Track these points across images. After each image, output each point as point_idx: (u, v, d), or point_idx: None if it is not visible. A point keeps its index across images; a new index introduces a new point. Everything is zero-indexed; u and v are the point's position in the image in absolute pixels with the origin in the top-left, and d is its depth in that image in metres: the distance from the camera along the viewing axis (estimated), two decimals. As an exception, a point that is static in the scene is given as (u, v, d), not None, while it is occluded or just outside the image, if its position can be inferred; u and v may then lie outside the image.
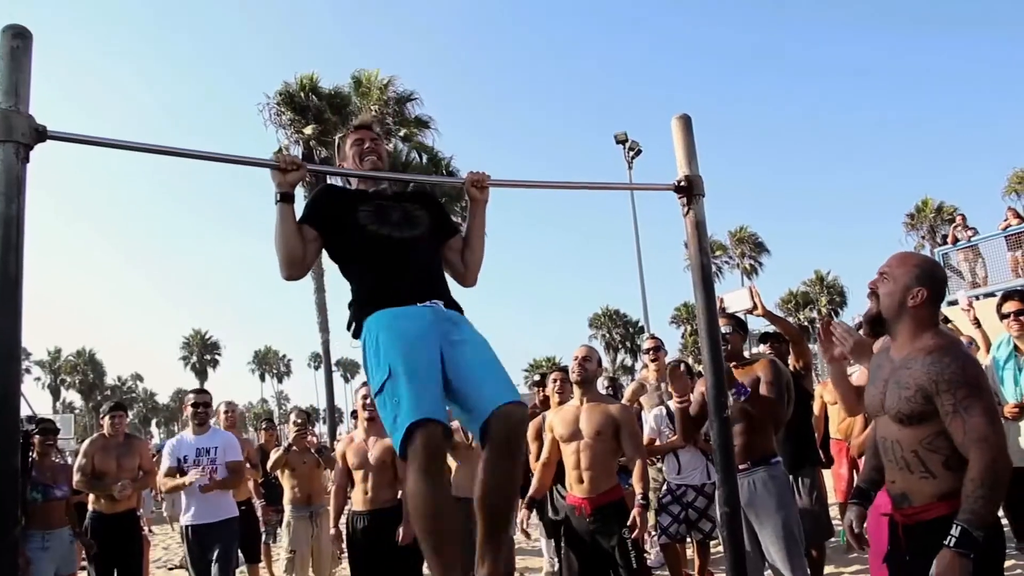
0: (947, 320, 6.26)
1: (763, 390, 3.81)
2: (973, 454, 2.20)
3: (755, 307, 4.37)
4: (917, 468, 2.33)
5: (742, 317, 4.44)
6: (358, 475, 5.36)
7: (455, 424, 5.10)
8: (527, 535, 5.53)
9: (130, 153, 2.29)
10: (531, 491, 4.71)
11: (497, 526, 2.34)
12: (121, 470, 5.81)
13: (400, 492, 5.12)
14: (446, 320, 2.50)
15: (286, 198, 2.59)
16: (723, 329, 3.87)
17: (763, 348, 5.46)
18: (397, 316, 2.42)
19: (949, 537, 2.16)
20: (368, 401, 5.66)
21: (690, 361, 7.57)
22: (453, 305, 2.62)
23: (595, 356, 4.51)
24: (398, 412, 2.20)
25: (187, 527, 5.55)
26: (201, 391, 6.01)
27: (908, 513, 2.35)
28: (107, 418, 5.96)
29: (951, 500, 2.26)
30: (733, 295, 4.52)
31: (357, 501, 5.33)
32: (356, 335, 2.54)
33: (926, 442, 2.30)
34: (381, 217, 2.67)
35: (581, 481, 4.26)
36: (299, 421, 6.39)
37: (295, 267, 2.61)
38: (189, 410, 5.80)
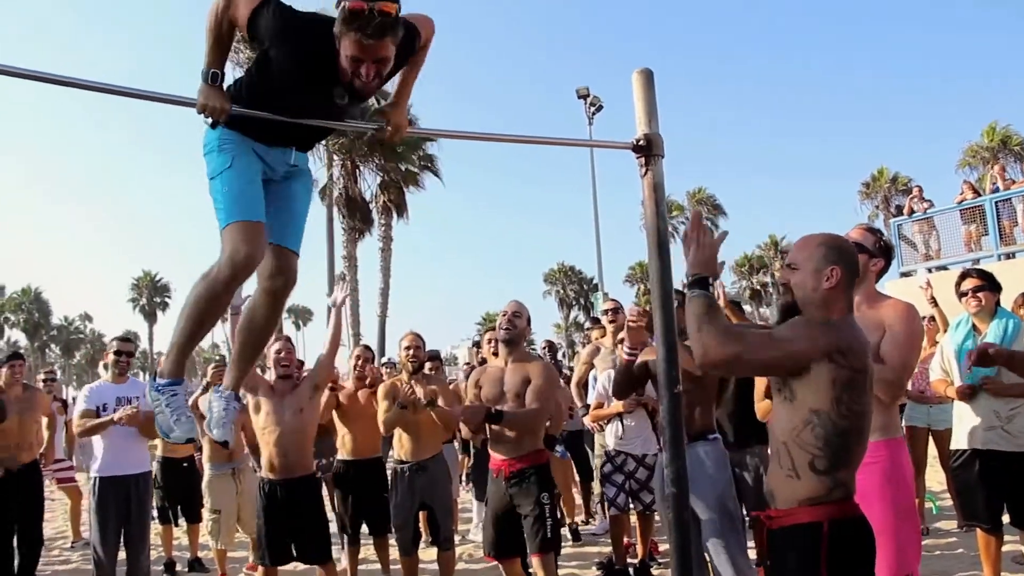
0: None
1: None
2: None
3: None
4: (786, 464, 2.15)
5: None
6: (268, 438, 4.80)
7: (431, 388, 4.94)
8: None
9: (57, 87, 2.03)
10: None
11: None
12: (23, 427, 5.44)
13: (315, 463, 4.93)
14: None
15: None
16: None
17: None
18: None
19: None
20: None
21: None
22: None
23: (525, 313, 4.35)
24: None
25: (97, 478, 5.12)
26: (125, 339, 5.57)
27: (771, 515, 2.18)
28: (4, 369, 5.49)
29: (811, 507, 2.09)
30: None
31: (265, 467, 4.84)
32: None
33: (795, 433, 2.12)
34: None
35: (503, 441, 4.16)
36: (216, 371, 5.89)
37: None
38: (111, 357, 5.33)
